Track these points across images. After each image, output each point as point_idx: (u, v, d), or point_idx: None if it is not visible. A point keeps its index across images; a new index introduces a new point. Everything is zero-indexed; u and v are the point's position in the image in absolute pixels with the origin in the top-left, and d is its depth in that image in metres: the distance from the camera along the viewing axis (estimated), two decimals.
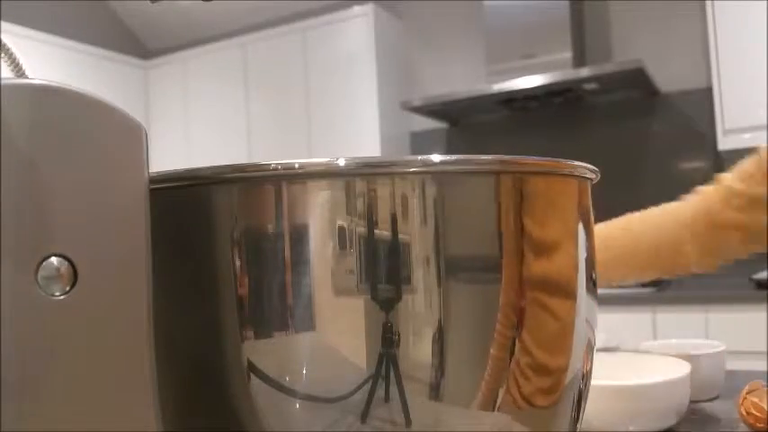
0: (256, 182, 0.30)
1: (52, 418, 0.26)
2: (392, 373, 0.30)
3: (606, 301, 2.13)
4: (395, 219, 0.30)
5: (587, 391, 0.38)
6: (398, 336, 0.29)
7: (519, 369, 0.32)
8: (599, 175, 0.39)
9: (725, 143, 2.24)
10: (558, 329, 0.34)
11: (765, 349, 1.84)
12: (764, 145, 0.81)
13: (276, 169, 0.30)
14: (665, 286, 2.26)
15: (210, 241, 0.30)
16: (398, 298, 0.30)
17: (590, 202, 0.38)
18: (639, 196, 2.59)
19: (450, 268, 0.30)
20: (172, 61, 3.51)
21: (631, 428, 0.62)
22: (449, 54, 3.02)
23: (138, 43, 3.78)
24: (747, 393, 0.63)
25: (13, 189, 0.25)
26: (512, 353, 0.32)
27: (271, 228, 0.30)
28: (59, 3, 3.32)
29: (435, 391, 0.30)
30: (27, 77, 0.28)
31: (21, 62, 0.40)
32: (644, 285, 2.18)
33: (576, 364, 0.36)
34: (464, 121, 2.93)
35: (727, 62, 2.23)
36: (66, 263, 0.26)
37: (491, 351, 0.31)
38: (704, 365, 0.74)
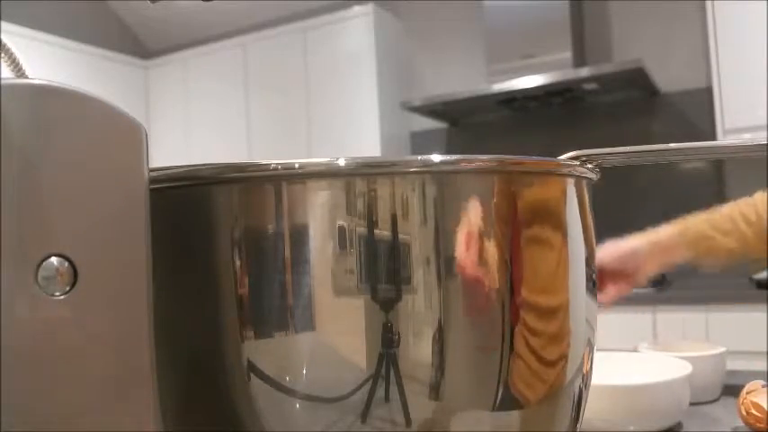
0: (256, 182, 0.30)
1: (52, 418, 0.26)
2: (392, 373, 0.30)
3: None
4: (395, 219, 0.30)
5: (587, 391, 0.38)
6: (398, 336, 0.29)
7: (518, 369, 0.32)
8: (598, 175, 0.39)
9: None
10: (556, 328, 0.34)
11: (765, 349, 1.84)
12: None
13: (276, 169, 0.30)
14: (665, 286, 2.26)
15: (210, 241, 0.30)
16: (398, 298, 0.30)
17: (589, 202, 0.38)
18: (639, 196, 2.59)
19: (450, 268, 0.30)
20: (172, 61, 3.51)
21: (631, 428, 0.62)
22: (449, 54, 3.02)
23: (138, 43, 3.78)
24: (747, 393, 0.63)
25: (13, 189, 0.25)
26: (511, 353, 0.32)
27: (271, 228, 0.30)
28: (59, 3, 3.32)
29: (435, 391, 0.30)
30: (27, 77, 0.28)
31: (21, 62, 0.40)
32: (643, 285, 2.18)
33: (575, 364, 0.36)
34: (464, 121, 2.93)
35: (727, 62, 2.24)
36: (66, 263, 0.26)
37: (490, 351, 0.31)
38: (705, 367, 0.74)
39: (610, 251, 0.91)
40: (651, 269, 0.94)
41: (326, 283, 0.29)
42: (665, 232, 0.93)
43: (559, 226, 0.34)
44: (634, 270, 0.93)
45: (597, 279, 0.84)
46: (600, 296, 0.90)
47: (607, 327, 2.02)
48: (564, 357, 0.35)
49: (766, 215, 0.87)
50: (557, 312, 0.34)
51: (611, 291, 0.91)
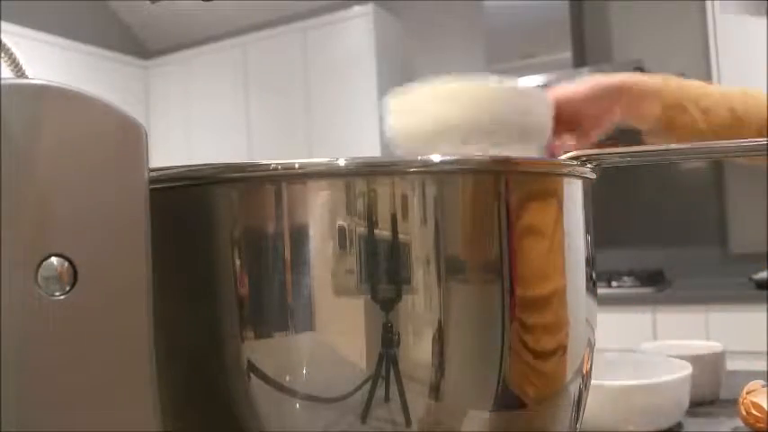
0: (256, 182, 0.30)
1: (52, 418, 0.26)
2: (392, 373, 0.30)
3: (606, 301, 2.13)
4: (395, 219, 0.30)
5: (587, 392, 0.38)
6: (398, 336, 0.29)
7: (519, 369, 0.32)
8: (599, 173, 0.39)
9: None
10: (555, 329, 0.34)
11: (765, 349, 1.84)
12: None
13: (276, 169, 0.30)
14: (665, 286, 2.26)
15: (210, 241, 0.30)
16: (398, 298, 0.30)
17: (590, 201, 0.38)
18: (639, 196, 2.59)
19: (450, 268, 0.30)
20: (172, 61, 3.51)
21: (631, 428, 0.62)
22: (449, 54, 3.02)
23: (138, 43, 3.78)
24: (747, 393, 0.63)
25: (13, 189, 0.25)
26: (512, 352, 0.32)
27: (271, 228, 0.30)
28: (59, 3, 3.32)
29: (435, 391, 0.30)
30: (27, 77, 0.28)
31: (21, 62, 0.40)
32: (643, 285, 2.18)
33: (575, 364, 0.36)
34: None
35: (728, 62, 2.24)
36: (66, 263, 0.26)
37: (491, 351, 0.31)
38: (705, 367, 0.74)
39: (574, 88, 0.75)
40: (618, 117, 0.77)
41: (326, 284, 0.29)
42: (647, 78, 0.78)
43: (559, 226, 0.34)
44: (602, 113, 0.76)
45: (554, 123, 0.66)
46: (558, 145, 0.73)
47: (607, 327, 2.03)
48: (564, 357, 0.35)
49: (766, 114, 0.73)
50: (557, 311, 0.34)
51: (569, 142, 0.74)
